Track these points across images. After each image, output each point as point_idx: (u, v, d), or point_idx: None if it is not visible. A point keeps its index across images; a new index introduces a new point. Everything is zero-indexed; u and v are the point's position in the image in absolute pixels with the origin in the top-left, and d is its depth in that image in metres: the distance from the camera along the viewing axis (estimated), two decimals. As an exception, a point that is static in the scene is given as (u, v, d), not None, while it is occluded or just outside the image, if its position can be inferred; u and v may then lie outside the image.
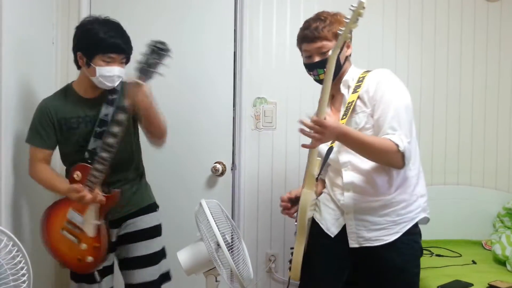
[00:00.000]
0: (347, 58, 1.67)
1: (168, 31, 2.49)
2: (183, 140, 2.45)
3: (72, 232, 1.79)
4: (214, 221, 1.65)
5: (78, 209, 1.78)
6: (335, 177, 1.69)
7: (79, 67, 1.83)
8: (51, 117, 1.79)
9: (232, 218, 2.30)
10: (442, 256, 2.28)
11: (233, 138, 2.53)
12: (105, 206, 1.78)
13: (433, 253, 2.32)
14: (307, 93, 2.53)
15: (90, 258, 1.78)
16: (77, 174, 1.76)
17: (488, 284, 1.86)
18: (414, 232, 1.61)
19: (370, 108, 1.57)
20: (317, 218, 1.73)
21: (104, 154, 1.70)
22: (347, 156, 1.62)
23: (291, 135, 2.54)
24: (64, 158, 1.88)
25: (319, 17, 1.66)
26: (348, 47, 1.67)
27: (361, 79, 1.62)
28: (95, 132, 1.79)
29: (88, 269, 1.82)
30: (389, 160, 1.50)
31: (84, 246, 1.78)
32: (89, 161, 1.76)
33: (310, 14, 2.56)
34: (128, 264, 1.91)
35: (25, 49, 2.06)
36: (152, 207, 2.00)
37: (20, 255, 1.14)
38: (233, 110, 2.53)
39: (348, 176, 1.61)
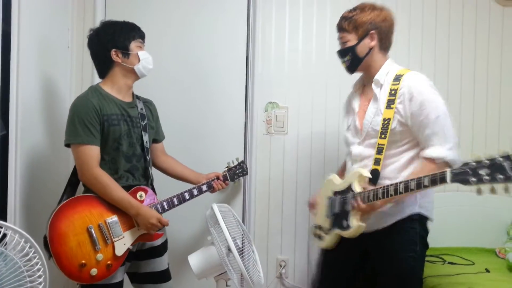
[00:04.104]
0: (371, 50, 1.72)
1: (180, 36, 2.52)
2: (194, 144, 2.47)
3: (101, 237, 1.70)
4: (225, 225, 1.65)
5: (123, 223, 1.76)
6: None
7: (103, 73, 1.86)
8: (98, 113, 1.75)
9: (243, 222, 2.31)
10: (455, 264, 2.25)
11: (245, 143, 2.54)
12: (145, 238, 1.82)
13: (445, 260, 2.29)
14: (319, 98, 2.53)
15: (94, 271, 1.67)
16: (140, 195, 1.81)
17: (502, 293, 1.83)
18: (412, 219, 1.68)
19: (407, 122, 1.63)
20: None
21: (176, 201, 1.90)
22: (359, 150, 1.75)
23: (303, 140, 2.54)
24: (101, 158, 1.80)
25: (353, 8, 1.77)
26: (372, 39, 1.72)
27: (395, 83, 1.66)
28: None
29: (82, 280, 1.68)
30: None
31: (100, 256, 1.69)
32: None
33: (323, 18, 2.58)
34: (149, 278, 1.91)
35: (43, 52, 2.10)
36: None
37: (37, 257, 1.16)
38: (245, 114, 2.54)
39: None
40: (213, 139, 2.51)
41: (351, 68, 1.78)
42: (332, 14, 2.54)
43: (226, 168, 2.16)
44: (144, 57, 1.86)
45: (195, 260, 1.71)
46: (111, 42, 1.81)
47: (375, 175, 1.66)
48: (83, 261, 1.66)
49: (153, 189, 1.92)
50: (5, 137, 1.83)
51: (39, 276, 1.15)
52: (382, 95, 1.69)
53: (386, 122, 1.65)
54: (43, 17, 2.11)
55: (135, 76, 1.88)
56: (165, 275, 1.94)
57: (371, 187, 1.61)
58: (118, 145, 1.80)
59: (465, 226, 2.47)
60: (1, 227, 1.17)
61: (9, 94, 1.83)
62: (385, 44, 1.75)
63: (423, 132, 1.60)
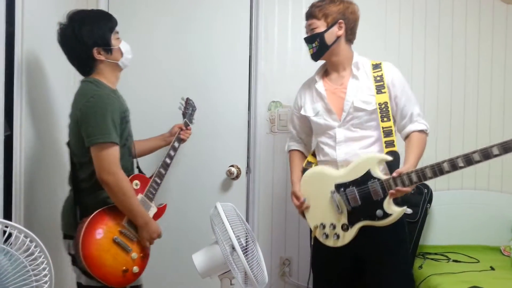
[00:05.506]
0: (338, 39, 1.83)
1: (183, 36, 2.52)
2: (198, 144, 2.47)
3: (127, 240, 1.73)
4: (229, 224, 1.66)
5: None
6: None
7: (87, 71, 1.77)
8: (121, 111, 1.72)
9: (246, 221, 2.31)
10: (460, 261, 2.25)
11: (248, 142, 2.54)
12: (156, 217, 1.86)
13: (450, 258, 2.29)
14: (322, 96, 2.52)
15: (136, 269, 1.73)
16: (136, 183, 1.80)
17: (507, 291, 1.83)
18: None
19: (392, 104, 1.81)
20: None
21: (163, 171, 1.92)
22: (343, 132, 1.82)
23: (306, 139, 2.53)
24: None
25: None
26: (340, 28, 1.82)
27: (377, 70, 1.82)
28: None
29: (130, 281, 1.73)
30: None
31: (134, 255, 1.73)
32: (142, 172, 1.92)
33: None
34: None
35: (46, 53, 2.10)
36: None
37: (43, 256, 1.17)
38: (248, 113, 2.54)
39: (341, 153, 1.81)
40: (216, 138, 2.52)
41: (317, 55, 1.86)
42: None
43: (182, 114, 2.18)
44: (125, 49, 1.78)
45: (199, 259, 1.71)
46: (91, 39, 1.71)
47: (396, 157, 1.69)
48: (124, 267, 1.69)
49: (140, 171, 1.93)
50: (10, 138, 1.84)
51: (45, 275, 1.16)
52: (362, 76, 1.82)
53: (383, 105, 1.76)
54: (46, 18, 2.11)
55: (120, 68, 1.81)
56: None
57: (404, 170, 1.63)
58: (126, 141, 1.77)
59: (470, 224, 2.47)
60: (7, 227, 1.18)
61: (13, 95, 1.83)
62: (350, 35, 1.86)
63: (407, 111, 1.79)
